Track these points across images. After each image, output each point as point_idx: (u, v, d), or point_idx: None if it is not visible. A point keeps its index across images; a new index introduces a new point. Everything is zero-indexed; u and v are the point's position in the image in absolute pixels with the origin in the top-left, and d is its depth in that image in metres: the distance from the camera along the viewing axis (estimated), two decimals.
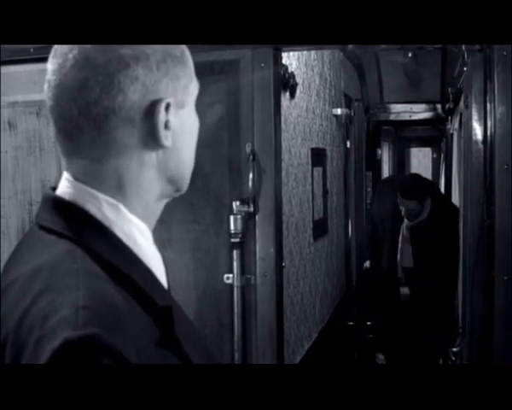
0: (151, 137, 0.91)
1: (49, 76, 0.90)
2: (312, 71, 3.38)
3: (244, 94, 2.25)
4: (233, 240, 2.27)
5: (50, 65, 0.91)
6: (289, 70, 2.78)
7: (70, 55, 0.88)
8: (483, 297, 2.11)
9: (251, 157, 2.23)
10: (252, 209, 2.24)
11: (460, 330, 2.80)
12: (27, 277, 0.84)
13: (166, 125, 0.91)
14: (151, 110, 0.89)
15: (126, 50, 0.87)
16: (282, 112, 2.48)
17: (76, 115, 0.87)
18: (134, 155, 0.91)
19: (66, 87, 0.88)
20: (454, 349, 2.87)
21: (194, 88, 0.99)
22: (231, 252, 2.28)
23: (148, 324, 0.84)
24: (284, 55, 2.50)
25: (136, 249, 0.91)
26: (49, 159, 2.45)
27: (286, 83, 2.73)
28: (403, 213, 4.27)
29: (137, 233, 0.92)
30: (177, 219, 2.30)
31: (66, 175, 0.93)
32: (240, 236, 2.25)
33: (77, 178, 0.91)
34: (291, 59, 2.88)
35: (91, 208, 0.89)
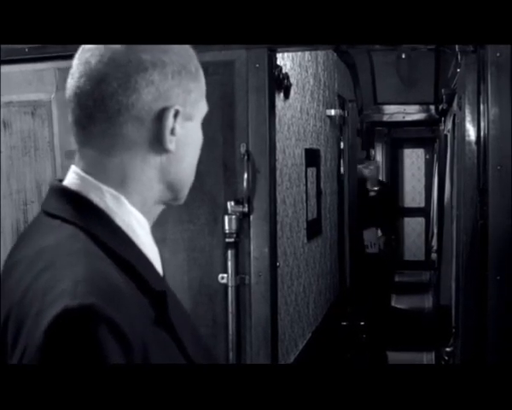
0: (157, 139, 0.97)
1: (74, 69, 0.97)
2: (306, 72, 3.39)
3: (239, 95, 2.26)
4: (227, 240, 2.27)
5: (77, 60, 0.97)
6: (284, 71, 2.78)
7: (97, 52, 0.95)
8: (476, 297, 2.12)
9: (245, 157, 2.23)
10: (246, 209, 2.25)
11: (453, 330, 2.82)
12: (32, 257, 0.90)
13: (172, 131, 0.97)
14: (160, 114, 0.96)
15: (146, 56, 0.95)
16: (277, 112, 2.48)
17: (91, 106, 0.94)
18: (139, 153, 0.97)
19: (87, 78, 0.94)
20: (447, 349, 2.89)
21: (203, 106, 1.05)
22: (226, 252, 2.28)
23: (144, 304, 0.90)
24: (278, 56, 2.50)
25: (134, 238, 0.97)
26: (43, 159, 2.44)
27: (280, 84, 2.74)
28: None
29: (136, 224, 0.99)
30: (172, 219, 2.30)
31: (74, 168, 0.99)
32: (234, 236, 2.26)
33: (85, 170, 0.97)
34: (285, 60, 2.88)
35: (94, 198, 0.96)
